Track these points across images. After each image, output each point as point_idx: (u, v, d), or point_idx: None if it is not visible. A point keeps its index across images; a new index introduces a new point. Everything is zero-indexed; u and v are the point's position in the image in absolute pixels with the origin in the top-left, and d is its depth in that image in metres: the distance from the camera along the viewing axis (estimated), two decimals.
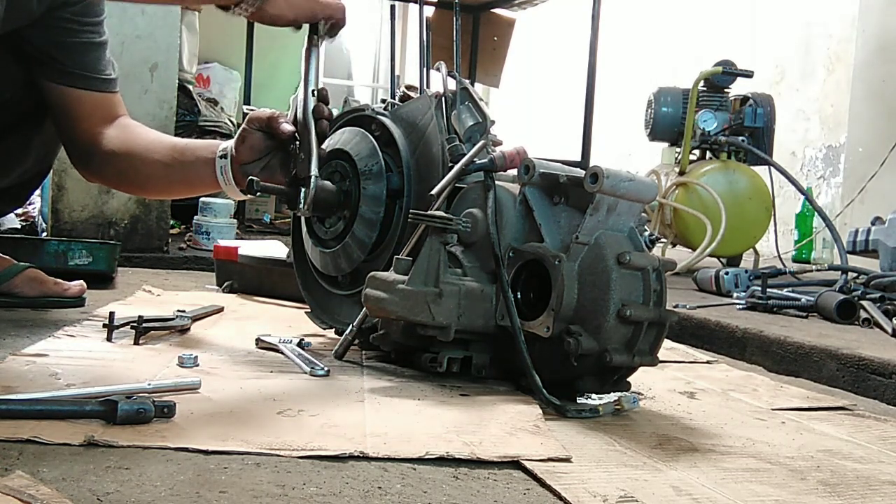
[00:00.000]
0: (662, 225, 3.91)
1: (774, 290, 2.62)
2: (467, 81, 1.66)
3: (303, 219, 1.76)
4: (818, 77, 5.53)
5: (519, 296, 1.42)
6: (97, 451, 0.96)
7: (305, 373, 1.42)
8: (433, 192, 1.52)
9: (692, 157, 4.03)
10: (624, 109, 6.41)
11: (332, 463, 0.99)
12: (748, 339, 2.09)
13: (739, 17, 6.18)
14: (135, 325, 1.56)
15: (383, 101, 1.78)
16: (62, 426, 1.02)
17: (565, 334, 1.32)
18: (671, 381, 1.65)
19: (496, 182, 1.48)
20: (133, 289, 2.24)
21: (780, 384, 1.72)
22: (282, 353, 1.55)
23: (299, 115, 1.53)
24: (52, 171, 2.45)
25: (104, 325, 1.56)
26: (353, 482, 0.94)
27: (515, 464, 1.05)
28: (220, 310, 1.98)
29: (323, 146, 1.55)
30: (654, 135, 4.31)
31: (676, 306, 2.37)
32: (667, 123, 4.23)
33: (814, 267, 3.36)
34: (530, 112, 8.41)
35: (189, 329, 1.71)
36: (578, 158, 4.86)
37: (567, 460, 1.06)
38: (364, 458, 1.01)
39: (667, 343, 1.95)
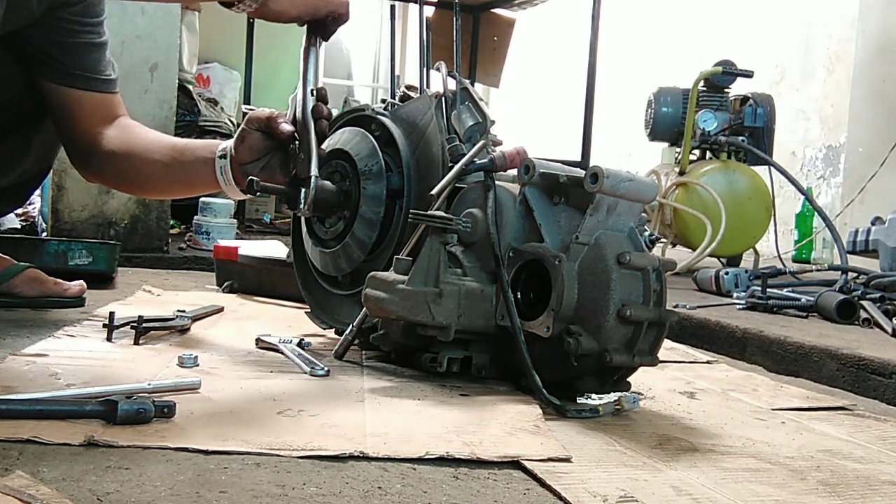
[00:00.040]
0: (662, 225, 3.91)
1: (774, 290, 2.62)
2: (467, 81, 1.66)
3: (303, 219, 1.76)
4: (818, 77, 5.53)
5: (519, 296, 1.42)
6: (97, 451, 0.96)
7: (305, 373, 1.42)
8: (433, 192, 1.52)
9: (692, 157, 4.03)
10: (624, 109, 6.41)
11: (332, 463, 0.99)
12: (748, 339, 2.09)
13: (739, 17, 6.18)
14: (135, 325, 1.56)
15: (383, 101, 1.78)
16: (62, 426, 1.02)
17: (565, 334, 1.32)
18: (671, 381, 1.65)
19: (496, 182, 1.48)
20: (133, 289, 2.24)
21: (780, 384, 1.72)
22: (282, 353, 1.55)
23: (298, 114, 1.53)
24: (52, 171, 2.45)
25: (104, 325, 1.56)
26: (353, 482, 0.94)
27: (515, 464, 1.05)
28: (220, 310, 1.98)
29: (322, 146, 1.55)
30: (654, 135, 4.31)
31: (676, 306, 2.37)
32: (667, 123, 4.23)
33: (814, 267, 3.36)
34: (530, 112, 8.42)
35: (189, 329, 1.71)
36: (578, 158, 4.86)
37: (567, 460, 1.06)
38: (364, 458, 1.01)
39: (667, 343, 1.95)
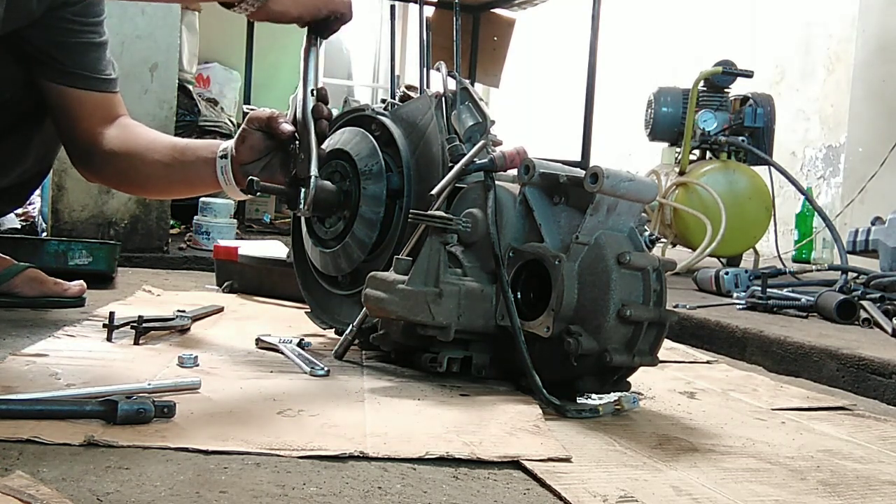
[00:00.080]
0: (662, 225, 3.91)
1: (774, 290, 2.62)
2: (467, 81, 1.66)
3: (303, 219, 1.76)
4: (818, 77, 5.53)
5: (519, 296, 1.42)
6: (97, 451, 0.96)
7: (305, 373, 1.42)
8: (433, 192, 1.52)
9: (692, 157, 4.03)
10: (624, 109, 6.41)
11: (332, 463, 0.99)
12: (748, 339, 2.09)
13: (739, 17, 6.18)
14: (135, 325, 1.56)
15: (383, 101, 1.78)
16: (62, 426, 1.02)
17: (565, 334, 1.32)
18: (671, 381, 1.65)
19: (496, 182, 1.48)
20: (133, 289, 2.24)
21: (780, 384, 1.72)
22: (282, 353, 1.55)
23: (298, 114, 1.53)
24: (52, 171, 2.45)
25: (104, 325, 1.56)
26: (353, 482, 0.94)
27: (515, 464, 1.05)
28: (220, 310, 1.98)
29: (323, 146, 1.55)
30: (654, 135, 4.31)
31: (676, 306, 2.37)
32: (667, 123, 4.23)
33: (814, 267, 3.36)
34: (530, 112, 8.42)
35: (189, 329, 1.71)
36: (578, 158, 4.86)
37: (567, 460, 1.06)
38: (364, 458, 1.01)
39: (667, 343, 1.95)
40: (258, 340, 1.62)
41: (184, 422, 1.08)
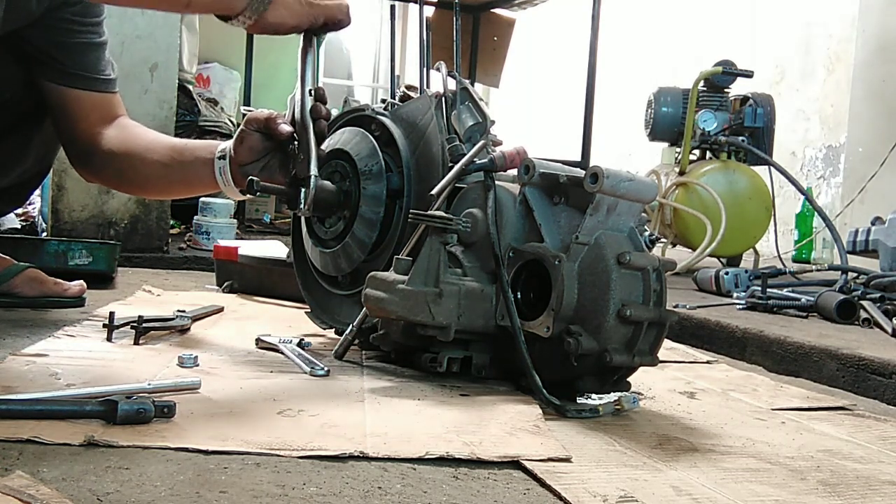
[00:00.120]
0: (662, 225, 3.91)
1: (774, 290, 2.62)
2: (467, 81, 1.66)
3: (303, 219, 1.76)
4: (818, 77, 5.53)
5: (519, 296, 1.42)
6: (97, 451, 0.96)
7: (305, 373, 1.42)
8: (433, 192, 1.52)
9: (692, 157, 4.03)
10: (624, 109, 6.41)
11: (332, 463, 0.99)
12: (748, 339, 2.09)
13: (739, 17, 6.18)
14: (135, 325, 1.56)
15: (383, 101, 1.78)
16: (62, 426, 1.02)
17: (565, 334, 1.32)
18: (671, 381, 1.65)
19: (496, 182, 1.48)
20: (133, 289, 2.24)
21: (780, 384, 1.72)
22: (282, 353, 1.55)
23: (297, 115, 1.53)
24: (52, 171, 2.45)
25: (104, 325, 1.56)
26: (353, 482, 0.94)
27: (515, 464, 1.05)
28: (220, 310, 1.98)
29: (322, 146, 1.55)
30: (654, 135, 4.31)
31: (676, 306, 2.37)
32: (667, 123, 4.23)
33: (814, 267, 3.36)
34: (530, 112, 8.42)
35: (189, 329, 1.71)
36: (578, 158, 4.86)
37: (567, 460, 1.06)
38: (364, 458, 1.01)
39: (667, 343, 1.95)
40: (258, 340, 1.62)
41: (184, 422, 1.08)
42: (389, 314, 1.39)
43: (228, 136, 3.51)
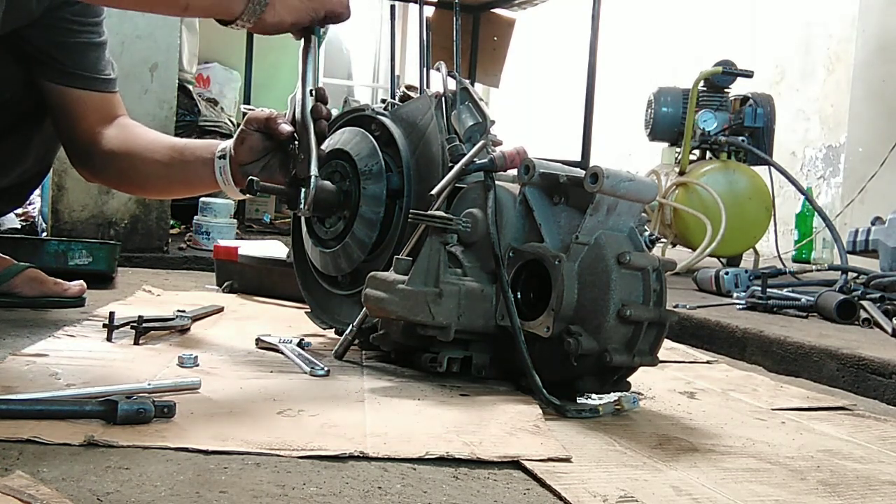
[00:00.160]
0: (662, 225, 3.91)
1: (774, 290, 2.62)
2: (467, 81, 1.66)
3: (303, 219, 1.76)
4: (818, 77, 5.53)
5: (519, 296, 1.42)
6: (97, 451, 0.96)
7: (305, 373, 1.42)
8: (433, 192, 1.52)
9: (692, 157, 4.03)
10: (624, 109, 6.41)
11: (332, 463, 0.99)
12: (748, 339, 2.09)
13: (739, 17, 6.18)
14: (135, 325, 1.56)
15: (383, 101, 1.78)
16: (62, 426, 1.02)
17: (565, 334, 1.32)
18: (671, 381, 1.65)
19: (496, 182, 1.48)
20: (133, 289, 2.24)
21: (780, 384, 1.72)
22: (282, 353, 1.55)
23: (297, 115, 1.53)
24: (52, 171, 2.46)
25: (104, 325, 1.56)
26: (353, 482, 0.94)
27: (515, 464, 1.05)
28: (220, 310, 1.98)
29: (322, 146, 1.55)
30: (654, 135, 4.32)
31: (676, 306, 2.37)
32: (667, 123, 4.23)
33: (814, 267, 3.36)
34: (530, 112, 8.42)
35: (189, 329, 1.71)
36: (578, 158, 4.86)
37: (567, 460, 1.06)
38: (364, 458, 1.01)
39: (667, 343, 1.95)
40: (258, 340, 1.62)
41: (184, 422, 1.08)
42: (389, 314, 1.39)
43: (228, 136, 3.50)
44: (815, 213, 4.22)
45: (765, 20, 5.99)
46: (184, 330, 1.69)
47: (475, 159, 1.53)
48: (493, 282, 1.42)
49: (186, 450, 0.99)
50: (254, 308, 2.14)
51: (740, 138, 3.96)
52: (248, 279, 2.34)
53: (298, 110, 1.53)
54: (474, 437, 1.12)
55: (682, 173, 3.88)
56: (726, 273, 2.88)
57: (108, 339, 1.54)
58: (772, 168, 3.69)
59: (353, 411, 1.21)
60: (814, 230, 4.65)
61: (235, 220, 3.35)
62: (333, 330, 1.72)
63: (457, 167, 1.53)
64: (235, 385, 1.31)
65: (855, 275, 2.81)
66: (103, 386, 1.18)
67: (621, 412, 1.33)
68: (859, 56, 4.82)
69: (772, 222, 3.80)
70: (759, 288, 2.55)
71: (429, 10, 4.68)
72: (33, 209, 3.22)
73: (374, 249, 1.63)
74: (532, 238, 1.42)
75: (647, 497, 0.96)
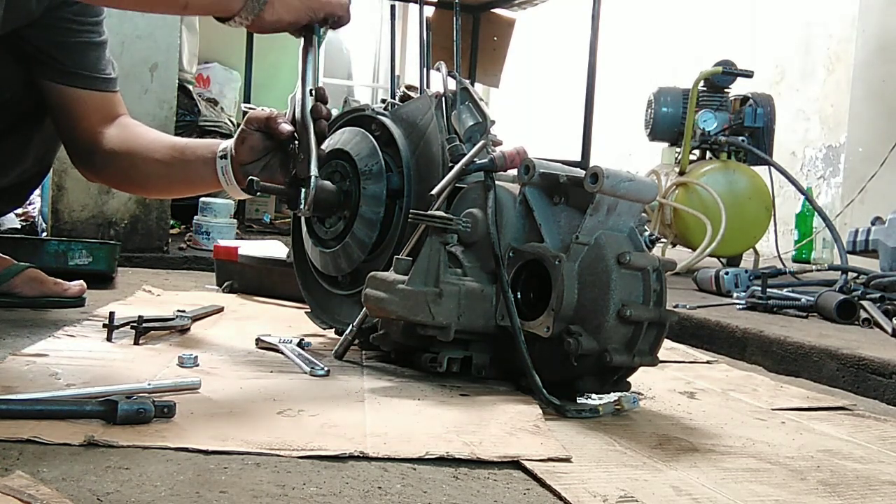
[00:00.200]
0: (662, 225, 3.91)
1: (774, 290, 2.62)
2: (467, 81, 1.66)
3: (303, 219, 1.76)
4: (818, 77, 5.53)
5: (519, 296, 1.42)
6: (97, 451, 0.96)
7: (305, 373, 1.42)
8: (433, 192, 1.52)
9: (692, 157, 4.03)
10: (624, 109, 6.41)
11: (332, 463, 0.99)
12: (748, 339, 2.09)
13: (739, 17, 6.18)
14: (135, 325, 1.56)
15: (383, 101, 1.78)
16: (62, 426, 1.02)
17: (565, 334, 1.32)
18: (671, 381, 1.65)
19: (496, 182, 1.48)
20: (133, 289, 2.24)
21: (780, 384, 1.72)
22: (282, 353, 1.55)
23: (297, 115, 1.53)
24: (52, 171, 2.46)
25: (104, 325, 1.56)
26: (353, 482, 0.94)
27: (515, 464, 1.05)
28: (220, 310, 1.98)
29: (322, 146, 1.55)
30: (654, 135, 4.32)
31: (676, 306, 2.37)
32: (667, 123, 4.23)
33: (814, 267, 3.36)
34: (530, 112, 8.41)
35: (189, 329, 1.71)
36: (578, 158, 4.86)
37: (567, 460, 1.06)
38: (364, 458, 1.01)
39: (667, 343, 1.95)
40: (258, 340, 1.62)
41: (184, 422, 1.08)
42: (389, 314, 1.39)
43: (228, 136, 3.50)
44: (815, 213, 4.22)
45: (765, 20, 5.99)
46: (184, 330, 1.69)
47: (475, 159, 1.53)
48: (493, 282, 1.42)
49: (186, 450, 0.99)
50: (254, 308, 2.14)
51: (740, 138, 3.96)
52: (248, 279, 2.34)
53: (298, 110, 1.53)
54: (474, 437, 1.12)
55: (682, 173, 3.88)
56: (726, 273, 2.88)
57: (108, 339, 1.54)
58: (772, 168, 3.69)
59: (353, 411, 1.21)
60: (814, 230, 4.65)
61: (235, 220, 3.35)
62: (333, 330, 1.72)
63: (457, 167, 1.53)
64: (235, 385, 1.31)
65: (855, 275, 2.81)
66: (103, 386, 1.18)
67: (621, 412, 1.33)
68: (859, 56, 4.82)
69: (772, 222, 3.80)
70: (759, 288, 2.55)
71: (429, 10, 4.68)
72: (33, 209, 3.22)
73: (374, 249, 1.63)
74: (532, 238, 1.42)
75: (647, 497, 0.96)
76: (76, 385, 1.21)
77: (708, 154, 4.05)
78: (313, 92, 1.54)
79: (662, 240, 3.89)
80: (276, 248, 2.52)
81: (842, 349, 1.85)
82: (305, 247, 1.78)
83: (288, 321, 1.93)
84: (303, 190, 1.49)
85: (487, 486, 0.97)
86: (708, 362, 1.92)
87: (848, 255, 2.98)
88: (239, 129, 1.59)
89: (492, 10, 5.50)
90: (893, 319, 2.26)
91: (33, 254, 2.15)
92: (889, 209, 3.17)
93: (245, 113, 1.67)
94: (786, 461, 1.15)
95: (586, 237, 1.35)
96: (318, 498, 0.89)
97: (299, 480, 0.93)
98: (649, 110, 4.29)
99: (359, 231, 1.62)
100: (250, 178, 1.47)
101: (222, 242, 2.54)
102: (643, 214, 1.45)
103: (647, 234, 1.45)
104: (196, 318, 1.79)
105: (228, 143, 1.62)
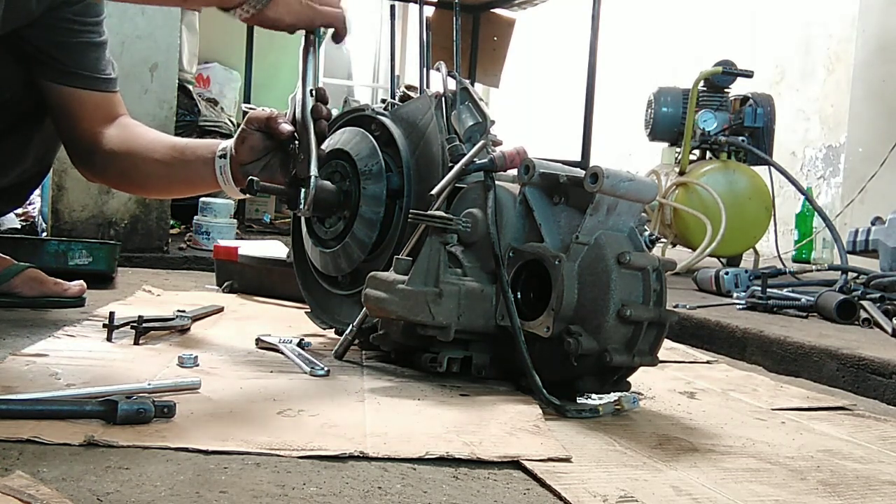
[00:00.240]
0: (662, 225, 3.91)
1: (774, 290, 2.62)
2: (467, 81, 1.66)
3: (303, 219, 1.76)
4: (818, 77, 5.53)
5: (519, 296, 1.42)
6: (97, 451, 0.96)
7: (305, 373, 1.42)
8: (433, 192, 1.52)
9: (692, 157, 4.03)
10: (624, 109, 6.41)
11: (332, 463, 0.99)
12: (748, 339, 2.09)
13: (739, 17, 6.18)
14: (135, 325, 1.56)
15: (383, 101, 1.78)
16: (62, 426, 1.02)
17: (565, 334, 1.32)
18: (671, 381, 1.65)
19: (496, 182, 1.48)
20: (133, 289, 2.24)
21: (780, 384, 1.72)
22: (282, 353, 1.55)
23: (298, 115, 1.53)
24: (52, 171, 2.46)
25: (104, 325, 1.56)
26: (353, 482, 0.94)
27: (515, 464, 1.05)
28: (220, 310, 1.98)
29: (322, 146, 1.55)
30: (654, 135, 4.31)
31: (676, 306, 2.37)
32: (667, 123, 4.23)
33: (814, 267, 3.36)
34: (530, 112, 8.41)
35: (189, 329, 1.71)
36: (578, 158, 4.86)
37: (567, 460, 1.06)
38: (364, 458, 1.01)
39: (667, 343, 1.95)
40: (258, 340, 1.62)
41: (184, 422, 1.08)
42: (389, 314, 1.39)
43: (228, 136, 3.51)
44: (815, 213, 4.22)
45: (765, 20, 5.99)
46: (184, 330, 1.69)
47: (475, 159, 1.53)
48: (493, 282, 1.42)
49: (186, 450, 0.99)
50: (254, 308, 2.14)
51: (740, 138, 3.96)
52: (248, 279, 2.34)
53: (298, 110, 1.53)
54: (474, 437, 1.12)
55: (682, 173, 3.88)
56: (726, 273, 2.88)
57: (108, 339, 1.54)
58: (772, 168, 3.69)
59: (353, 411, 1.21)
60: (814, 230, 4.65)
61: (235, 220, 3.35)
62: (333, 330, 1.72)
63: (457, 167, 1.53)
64: (235, 385, 1.31)
65: (855, 275, 2.81)
66: (103, 386, 1.18)
67: (621, 412, 1.33)
68: (859, 56, 4.82)
69: (772, 222, 3.80)
70: (759, 288, 2.55)
71: (429, 10, 4.68)
72: (33, 209, 3.22)
73: (374, 249, 1.63)
74: (532, 238, 1.42)
75: (647, 497, 0.96)
76: (76, 385, 1.21)
77: (708, 154, 4.05)
78: (313, 92, 1.54)
79: (662, 240, 3.89)
80: (276, 248, 2.52)
81: (842, 349, 1.85)
82: (305, 247, 1.78)
83: (288, 321, 1.93)
84: (303, 190, 1.49)
85: (487, 486, 0.97)
86: (708, 362, 1.92)
87: (848, 255, 2.98)
88: (239, 129, 1.60)
89: (492, 10, 5.50)
90: (893, 319, 2.26)
91: (33, 254, 2.15)
92: (889, 209, 3.17)
93: (245, 113, 1.68)
94: (786, 461, 1.15)
95: (586, 237, 1.35)
96: (318, 498, 0.89)
97: (299, 480, 0.93)
98: (649, 110, 4.29)
99: (359, 231, 1.62)
100: (250, 177, 1.47)
101: (222, 242, 2.54)
102: (643, 214, 1.45)
103: (647, 234, 1.45)
104: (196, 318, 1.79)
105: (228, 143, 1.62)
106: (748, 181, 3.83)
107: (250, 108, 1.93)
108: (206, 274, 2.66)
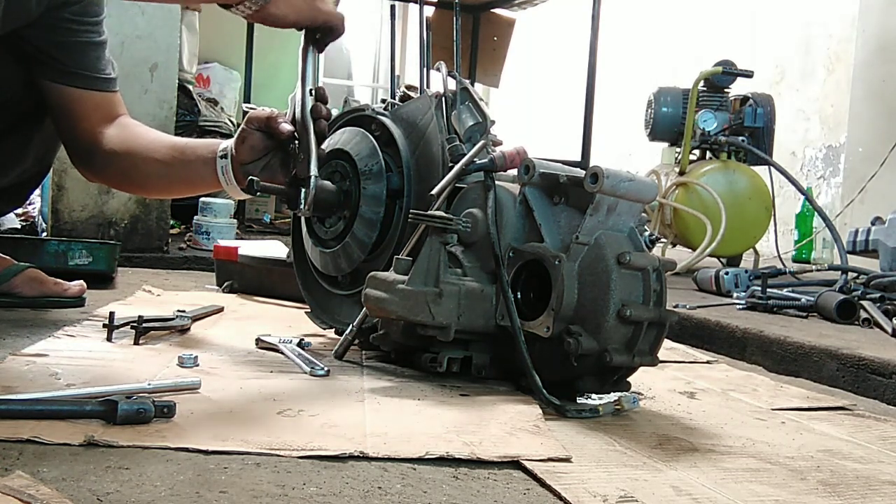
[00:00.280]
0: (662, 225, 3.91)
1: (774, 290, 2.62)
2: (467, 81, 1.66)
3: (303, 219, 1.76)
4: (818, 77, 5.53)
5: (519, 296, 1.42)
6: (97, 451, 0.96)
7: (305, 373, 1.42)
8: (433, 192, 1.52)
9: (692, 157, 4.03)
10: (624, 109, 6.41)
11: (332, 463, 0.99)
12: (748, 339, 2.09)
13: (739, 17, 6.18)
14: (135, 325, 1.56)
15: (383, 101, 1.78)
16: (62, 426, 1.02)
17: (565, 334, 1.32)
18: (671, 381, 1.65)
19: (496, 182, 1.48)
20: (133, 289, 2.24)
21: (780, 384, 1.72)
22: (282, 353, 1.55)
23: (297, 114, 1.53)
24: (52, 171, 2.46)
25: (104, 325, 1.56)
26: (353, 482, 0.94)
27: (515, 464, 1.05)
28: (220, 310, 1.98)
29: (322, 146, 1.55)
30: (654, 135, 4.32)
31: (676, 306, 2.37)
32: (667, 123, 4.23)
33: (814, 267, 3.36)
34: (530, 112, 8.41)
35: (189, 329, 1.71)
36: (578, 158, 4.86)
37: (567, 460, 1.06)
38: (364, 458, 1.01)
39: (667, 343, 1.95)
40: (258, 340, 1.62)
41: (184, 422, 1.08)
42: (389, 314, 1.39)
43: (228, 136, 3.50)
44: (815, 213, 4.22)
45: (765, 20, 5.99)
46: (184, 330, 1.69)
47: (475, 159, 1.53)
48: (493, 282, 1.42)
49: (186, 450, 0.99)
50: (254, 308, 2.14)
51: (740, 138, 3.96)
52: (248, 279, 2.34)
53: (298, 110, 1.53)
54: (474, 437, 1.12)
55: (682, 173, 3.88)
56: (726, 273, 2.88)
57: (108, 339, 1.54)
58: (772, 168, 3.69)
59: (353, 411, 1.21)
60: (814, 230, 4.65)
61: (235, 220, 3.35)
62: (333, 330, 1.72)
63: (457, 167, 1.53)
64: (235, 385, 1.31)
65: (855, 275, 2.81)
66: (103, 386, 1.18)
67: (621, 412, 1.33)
68: (859, 56, 4.82)
69: (772, 222, 3.80)
70: (759, 288, 2.55)
71: (429, 10, 4.68)
72: (33, 209, 3.22)
73: (374, 249, 1.63)
74: (532, 238, 1.42)
75: (647, 497, 0.96)
76: (76, 385, 1.21)
77: (708, 154, 4.05)
78: (313, 92, 1.54)
79: (662, 240, 3.89)
80: (276, 248, 2.52)
81: (842, 349, 1.85)
82: (305, 247, 1.78)
83: (288, 321, 1.93)
84: (303, 190, 1.49)
85: (487, 486, 0.97)
86: (708, 362, 1.92)
87: (848, 255, 2.98)
88: (239, 129, 1.60)
89: (492, 10, 5.50)
90: (893, 319, 2.26)
91: (33, 254, 2.15)
92: (889, 209, 3.17)
93: (245, 113, 1.68)
94: (786, 461, 1.15)
95: (586, 237, 1.35)
96: (318, 498, 0.89)
97: (299, 480, 0.93)
98: (649, 110, 4.29)
99: (359, 231, 1.62)
100: (250, 177, 1.47)
101: (222, 242, 2.54)
102: (643, 214, 1.45)
103: (647, 234, 1.45)
104: (196, 318, 1.79)
105: (229, 143, 1.62)
106: (748, 181, 3.83)
107: (250, 108, 1.93)
108: (206, 274, 2.66)
